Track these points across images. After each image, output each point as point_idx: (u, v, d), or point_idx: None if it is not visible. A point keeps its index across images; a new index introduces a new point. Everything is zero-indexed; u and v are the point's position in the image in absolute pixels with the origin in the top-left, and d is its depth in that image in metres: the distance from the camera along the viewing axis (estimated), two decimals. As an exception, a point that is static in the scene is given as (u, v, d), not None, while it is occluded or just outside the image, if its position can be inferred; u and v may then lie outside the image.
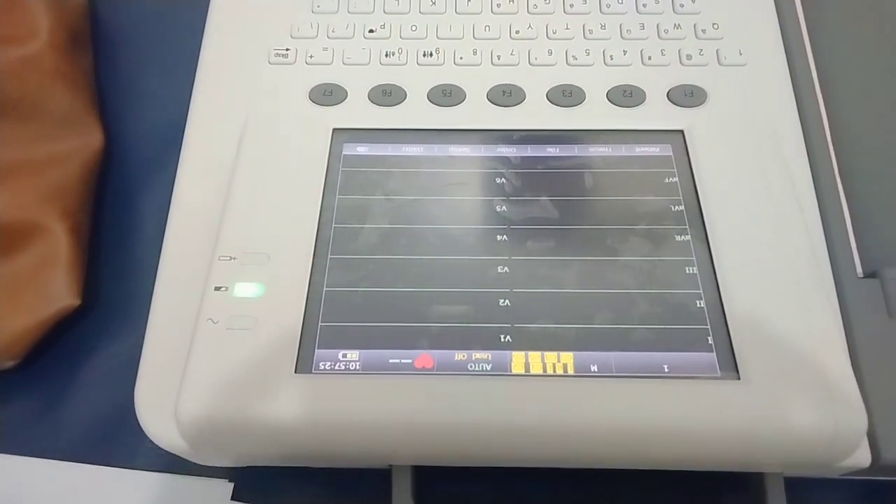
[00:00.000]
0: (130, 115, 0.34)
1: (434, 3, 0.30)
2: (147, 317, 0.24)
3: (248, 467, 0.25)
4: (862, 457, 0.22)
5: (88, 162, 0.32)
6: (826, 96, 0.28)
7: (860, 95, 0.28)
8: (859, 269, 0.25)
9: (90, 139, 0.32)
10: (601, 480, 0.26)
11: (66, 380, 0.28)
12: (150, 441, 0.23)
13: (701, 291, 0.23)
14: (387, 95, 0.28)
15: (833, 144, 0.27)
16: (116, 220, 0.32)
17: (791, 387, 0.21)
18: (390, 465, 0.23)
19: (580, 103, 0.28)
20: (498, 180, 0.26)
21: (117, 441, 0.27)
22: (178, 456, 0.24)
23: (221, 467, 0.26)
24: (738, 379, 0.21)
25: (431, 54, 0.29)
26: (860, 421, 0.21)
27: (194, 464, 0.25)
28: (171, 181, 0.27)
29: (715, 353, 0.22)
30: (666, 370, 0.22)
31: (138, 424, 0.23)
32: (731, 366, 0.22)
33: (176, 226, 0.26)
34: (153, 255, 0.26)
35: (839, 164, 0.27)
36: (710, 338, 0.22)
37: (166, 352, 0.24)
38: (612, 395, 0.21)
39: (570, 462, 0.22)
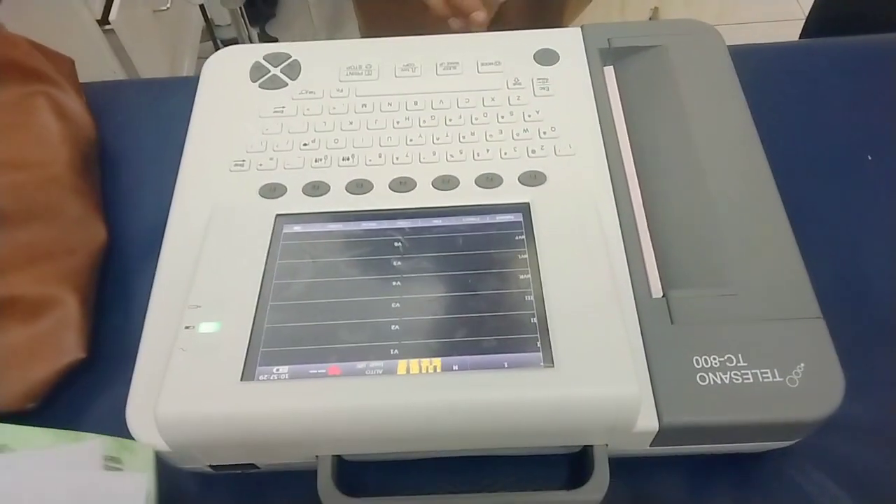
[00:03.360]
0: (127, 215, 0.45)
1: (351, 123, 0.41)
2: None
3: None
4: (651, 422, 0.31)
5: (94, 252, 0.42)
6: (640, 177, 0.39)
7: (661, 175, 0.39)
8: (658, 293, 0.35)
9: (96, 235, 0.42)
10: (483, 466, 0.34)
11: (75, 417, 0.37)
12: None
13: (534, 312, 0.33)
14: (316, 189, 0.38)
15: (644, 207, 0.38)
16: (116, 294, 0.41)
17: (589, 371, 0.30)
18: (316, 457, 0.32)
19: (456, 188, 0.38)
20: (395, 244, 0.36)
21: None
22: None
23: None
24: (554, 367, 0.30)
25: (348, 159, 0.39)
26: (635, 391, 0.30)
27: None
28: (156, 264, 0.36)
29: (540, 353, 0.31)
30: (506, 365, 0.31)
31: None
32: (550, 359, 0.31)
33: (160, 285, 0.35)
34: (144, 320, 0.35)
35: (648, 222, 0.37)
36: (538, 343, 0.31)
37: (149, 378, 0.32)
38: (467, 383, 0.30)
39: (442, 438, 0.31)
